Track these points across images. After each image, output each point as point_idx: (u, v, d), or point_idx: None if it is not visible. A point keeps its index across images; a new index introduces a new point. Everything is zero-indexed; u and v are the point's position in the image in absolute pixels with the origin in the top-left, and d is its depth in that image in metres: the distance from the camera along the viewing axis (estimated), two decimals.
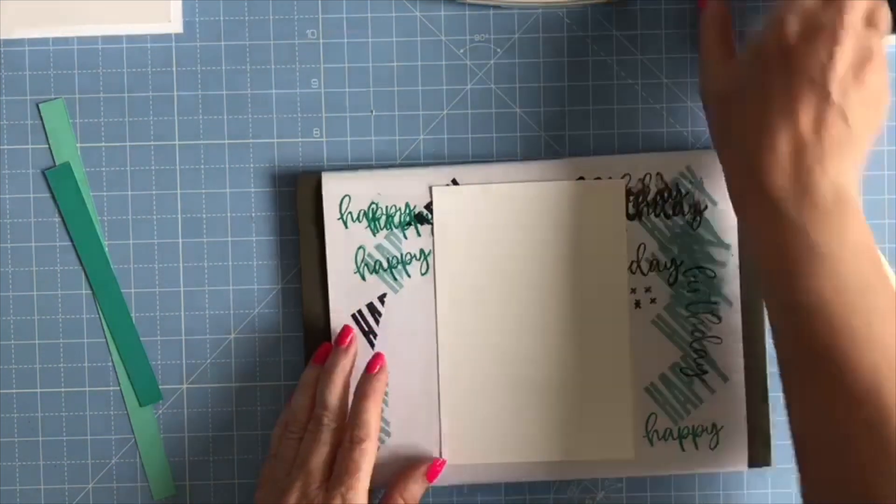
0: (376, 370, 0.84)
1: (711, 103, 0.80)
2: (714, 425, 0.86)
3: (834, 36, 0.74)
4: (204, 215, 0.87)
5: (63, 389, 0.87)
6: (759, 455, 0.86)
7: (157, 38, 0.86)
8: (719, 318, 0.85)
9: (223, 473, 0.87)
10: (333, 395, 0.83)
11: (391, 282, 0.85)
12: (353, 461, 0.81)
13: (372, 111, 0.87)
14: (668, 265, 0.86)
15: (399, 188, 0.85)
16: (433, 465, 0.85)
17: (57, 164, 0.87)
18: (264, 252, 0.87)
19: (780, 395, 0.86)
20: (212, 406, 0.87)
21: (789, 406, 0.76)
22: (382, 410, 0.85)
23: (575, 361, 0.85)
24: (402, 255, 0.85)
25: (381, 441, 0.85)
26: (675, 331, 0.85)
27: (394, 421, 0.85)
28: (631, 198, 0.85)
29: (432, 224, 0.85)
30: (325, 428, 0.82)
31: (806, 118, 0.74)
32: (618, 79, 0.87)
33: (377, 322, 0.85)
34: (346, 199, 0.85)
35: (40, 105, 0.86)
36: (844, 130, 0.74)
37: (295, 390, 0.85)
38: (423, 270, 0.85)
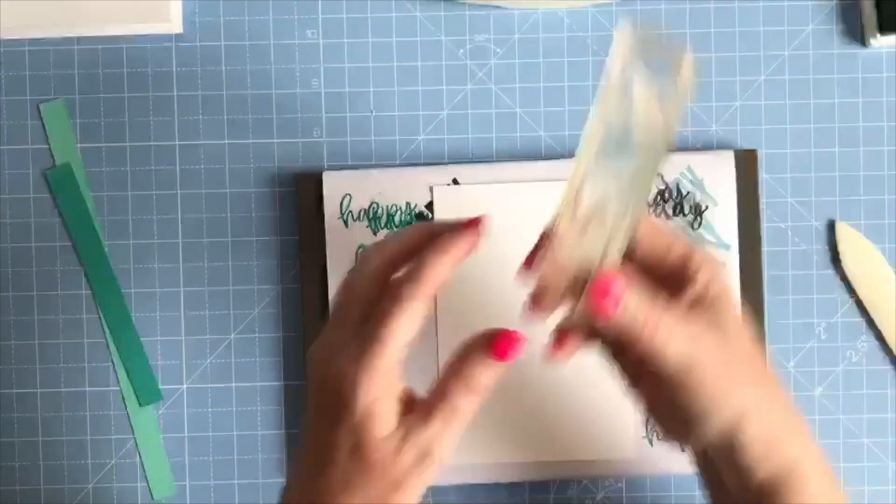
0: (472, 228, 0.70)
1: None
2: None
3: None
4: (204, 215, 0.87)
5: (63, 389, 0.87)
6: None
7: (157, 38, 0.87)
8: None
9: (223, 473, 0.87)
10: (436, 271, 0.69)
11: None
12: (384, 312, 0.67)
13: (372, 111, 0.87)
14: None
15: (400, 187, 0.85)
16: (499, 337, 0.70)
17: (57, 164, 0.87)
18: (264, 252, 0.87)
19: None
20: (212, 406, 0.87)
21: None
22: None
23: (575, 361, 0.85)
24: None
25: None
26: None
27: None
28: None
29: None
30: (411, 303, 0.68)
31: None
32: None
33: None
34: (347, 198, 0.85)
35: (40, 105, 0.86)
36: None
37: (381, 243, 0.71)
38: None
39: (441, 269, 0.69)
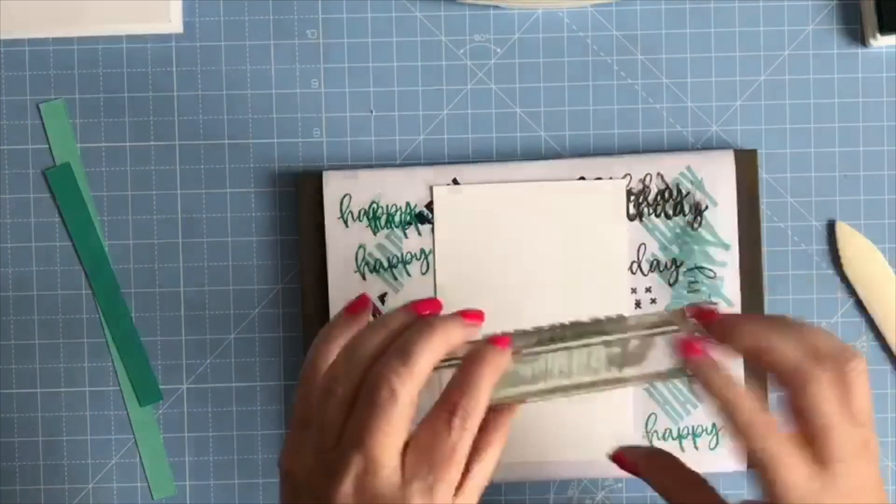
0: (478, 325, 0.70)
1: None
2: (714, 426, 0.85)
3: None
4: (204, 215, 0.87)
5: (63, 389, 0.87)
6: None
7: (157, 38, 0.87)
8: None
9: (223, 473, 0.87)
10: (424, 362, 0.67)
11: (392, 281, 0.85)
12: (447, 444, 0.66)
13: (372, 111, 0.87)
14: (669, 265, 0.86)
15: (400, 187, 0.85)
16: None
17: (57, 164, 0.87)
18: (264, 252, 0.87)
19: (780, 395, 0.86)
20: (212, 406, 0.87)
21: None
22: None
23: None
24: (402, 254, 0.85)
25: None
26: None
27: None
28: (631, 198, 0.86)
29: (433, 223, 0.85)
30: (403, 406, 0.66)
31: None
32: (618, 79, 0.87)
33: None
34: (347, 198, 0.85)
35: (40, 105, 0.86)
36: None
37: (362, 334, 0.70)
38: (424, 270, 0.85)
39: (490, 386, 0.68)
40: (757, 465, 0.67)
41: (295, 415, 0.70)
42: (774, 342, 0.68)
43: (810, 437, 0.67)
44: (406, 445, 0.66)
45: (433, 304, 0.71)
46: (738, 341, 0.69)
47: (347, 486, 0.65)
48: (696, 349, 0.69)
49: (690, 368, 0.69)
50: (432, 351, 0.67)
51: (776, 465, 0.66)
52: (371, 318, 0.72)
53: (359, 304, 0.73)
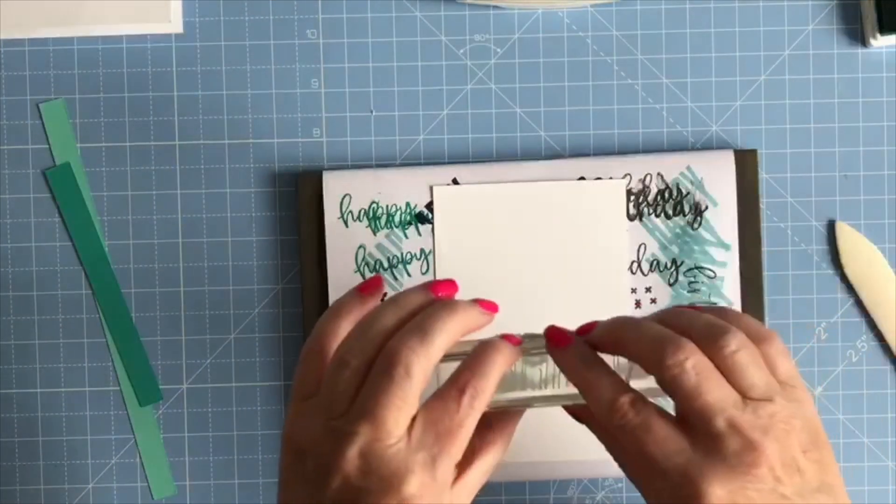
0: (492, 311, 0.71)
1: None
2: None
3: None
4: (204, 215, 0.87)
5: (63, 389, 0.87)
6: None
7: (157, 38, 0.87)
8: None
9: (223, 473, 0.87)
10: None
11: (391, 281, 0.85)
12: (455, 419, 0.67)
13: (372, 111, 0.87)
14: (669, 265, 0.86)
15: (400, 187, 0.85)
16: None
17: (57, 164, 0.87)
18: (264, 252, 0.87)
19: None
20: (212, 406, 0.87)
21: None
22: None
23: None
24: (402, 254, 0.85)
25: None
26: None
27: None
28: (631, 198, 0.86)
29: (433, 223, 0.85)
30: (414, 380, 0.67)
31: None
32: (618, 79, 0.87)
33: None
34: (347, 198, 0.85)
35: (40, 105, 0.86)
36: None
37: (377, 311, 0.70)
38: (424, 270, 0.85)
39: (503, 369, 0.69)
40: (627, 440, 0.66)
41: (297, 386, 0.71)
42: (627, 332, 0.68)
43: (681, 414, 0.66)
44: (413, 419, 0.67)
45: (450, 285, 0.72)
46: (596, 338, 0.69)
47: (353, 452, 0.66)
48: (562, 338, 0.69)
49: (554, 357, 0.69)
50: (450, 332, 0.68)
51: (644, 433, 0.65)
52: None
53: (372, 284, 0.74)
